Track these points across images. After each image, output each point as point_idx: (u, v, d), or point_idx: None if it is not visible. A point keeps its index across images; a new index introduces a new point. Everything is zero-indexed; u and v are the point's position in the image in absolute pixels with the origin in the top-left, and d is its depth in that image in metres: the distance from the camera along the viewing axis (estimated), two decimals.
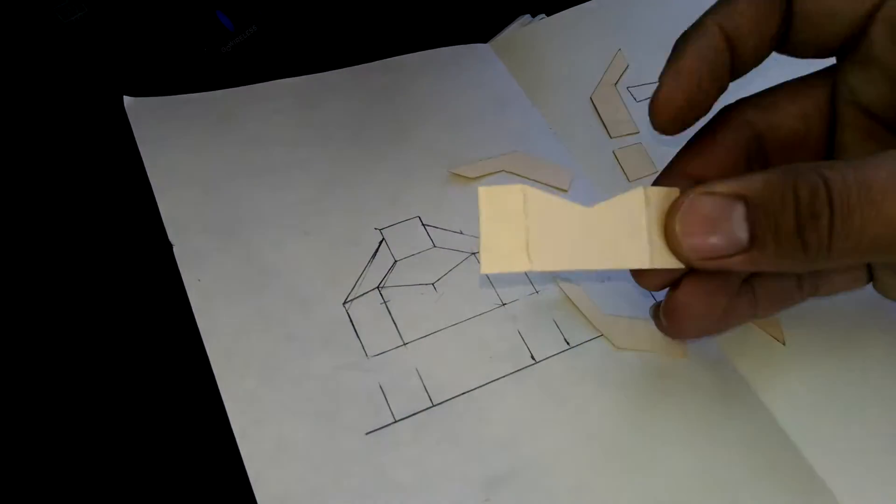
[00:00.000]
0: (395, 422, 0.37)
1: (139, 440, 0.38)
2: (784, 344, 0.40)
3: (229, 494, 0.36)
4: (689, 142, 0.36)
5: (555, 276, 0.42)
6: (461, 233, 0.43)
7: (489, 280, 0.42)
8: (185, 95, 0.48)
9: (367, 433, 0.37)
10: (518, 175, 0.45)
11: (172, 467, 0.37)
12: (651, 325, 0.40)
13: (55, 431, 0.38)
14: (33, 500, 0.36)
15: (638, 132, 0.48)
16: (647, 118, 0.47)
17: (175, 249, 0.42)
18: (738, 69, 0.33)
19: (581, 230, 0.31)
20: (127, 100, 0.47)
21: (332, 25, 0.53)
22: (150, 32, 0.51)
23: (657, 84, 0.34)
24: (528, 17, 0.53)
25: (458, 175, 0.45)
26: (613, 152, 0.47)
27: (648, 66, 0.50)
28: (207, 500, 0.36)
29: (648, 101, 0.47)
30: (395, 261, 0.42)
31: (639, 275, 0.36)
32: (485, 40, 0.52)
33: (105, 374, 0.39)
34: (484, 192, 0.30)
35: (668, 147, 0.47)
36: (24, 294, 0.42)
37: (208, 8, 0.52)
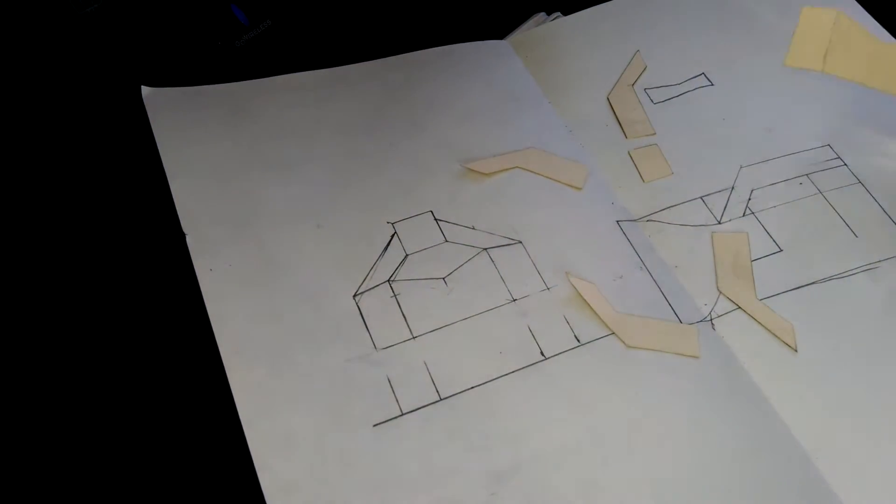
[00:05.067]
0: (403, 415, 0.37)
1: (147, 427, 0.38)
2: (796, 351, 0.40)
3: (235, 483, 0.36)
4: None
5: (567, 273, 0.42)
6: (473, 228, 0.43)
7: (500, 276, 0.41)
8: (202, 87, 0.49)
9: (374, 425, 0.37)
10: (532, 171, 0.45)
11: (179, 455, 0.37)
12: (664, 324, 0.40)
13: (64, 415, 0.38)
14: (44, 479, 0.36)
15: (654, 133, 0.48)
16: (666, 120, 0.48)
17: (188, 239, 0.42)
18: None
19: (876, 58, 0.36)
20: (145, 89, 0.48)
21: (345, 20, 0.53)
22: (164, 25, 0.51)
23: None
24: (543, 14, 0.53)
25: (473, 170, 0.45)
26: (629, 152, 0.47)
27: (667, 68, 0.50)
28: (214, 488, 0.36)
29: (666, 102, 0.49)
30: (407, 255, 0.42)
31: None
32: (500, 36, 0.52)
33: (115, 359, 0.39)
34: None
35: (685, 150, 0.47)
36: (39, 278, 0.42)
37: (223, 2, 0.52)
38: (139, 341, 0.40)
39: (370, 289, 0.41)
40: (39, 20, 0.51)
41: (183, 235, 0.42)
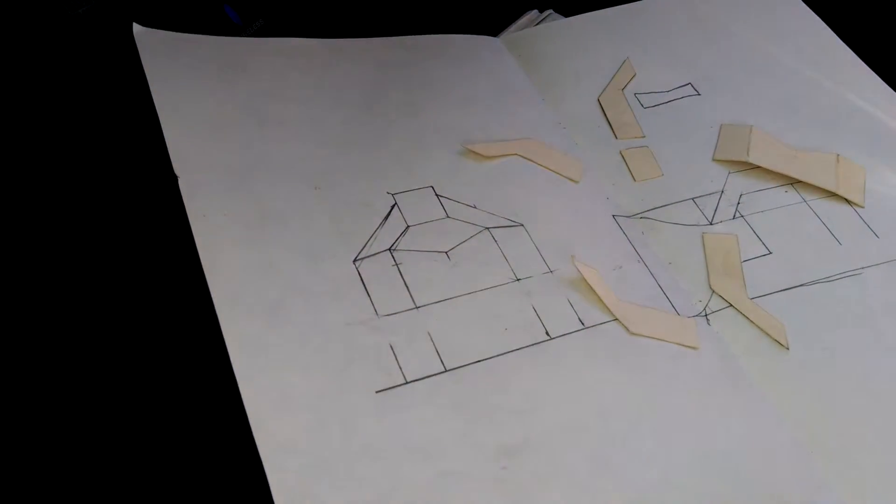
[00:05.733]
0: (407, 383, 0.35)
1: (136, 379, 0.36)
2: (788, 349, 0.40)
3: (231, 441, 0.33)
4: None
5: (572, 256, 0.41)
6: (475, 207, 0.42)
7: (503, 255, 0.40)
8: (197, 35, 0.47)
9: (377, 392, 0.35)
10: (532, 161, 0.45)
11: (171, 408, 0.35)
12: (665, 314, 0.40)
13: (50, 370, 0.36)
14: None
15: (644, 136, 0.48)
16: (655, 124, 0.49)
17: (180, 182, 0.40)
18: None
19: None
20: (136, 28, 0.46)
21: (336, 20, 0.53)
22: (157, 25, 0.50)
23: None
24: (535, 12, 0.54)
25: (473, 151, 0.44)
26: (620, 152, 0.47)
27: (655, 76, 0.51)
28: (208, 445, 0.34)
29: (655, 108, 0.50)
30: (408, 226, 0.41)
31: None
32: (492, 33, 0.52)
33: (106, 304, 0.38)
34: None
35: (674, 153, 0.47)
36: (28, 217, 0.40)
37: (216, 1, 0.51)
38: (130, 289, 0.38)
39: (371, 255, 0.39)
40: (31, 20, 0.49)
41: (175, 178, 0.40)
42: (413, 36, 0.50)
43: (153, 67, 0.44)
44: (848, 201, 0.46)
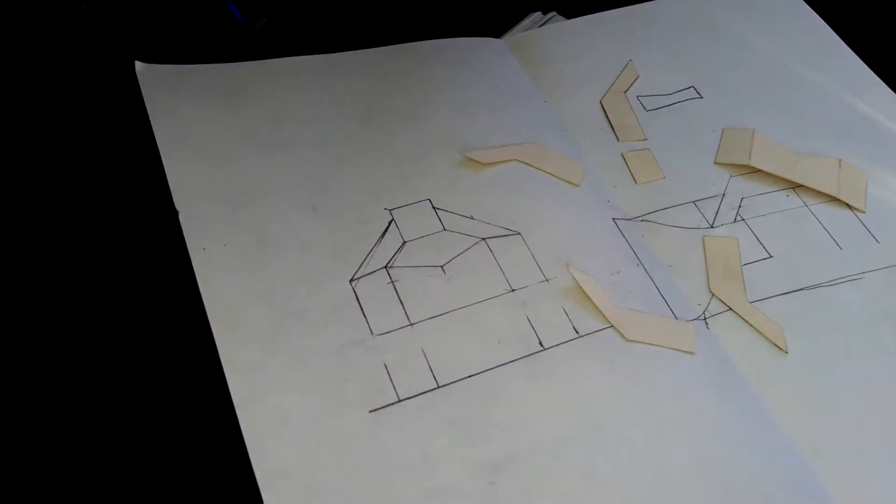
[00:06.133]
0: (400, 401, 0.36)
1: (137, 407, 0.36)
2: (787, 353, 0.40)
3: (228, 466, 0.34)
4: None
5: (568, 264, 0.41)
6: (472, 217, 0.43)
7: (499, 265, 0.41)
8: (196, 65, 0.48)
9: (370, 411, 0.36)
10: (531, 165, 0.45)
11: (171, 436, 0.36)
12: (662, 319, 0.40)
13: (50, 394, 0.37)
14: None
15: (646, 139, 0.48)
16: (657, 127, 0.49)
17: (181, 217, 0.41)
18: None
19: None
20: (138, 65, 0.47)
21: (341, 18, 0.53)
22: (160, 21, 0.51)
23: None
24: (539, 13, 0.54)
25: (471, 160, 0.45)
26: (622, 155, 0.47)
27: (658, 79, 0.51)
28: (206, 471, 0.35)
29: (658, 110, 0.50)
30: (405, 241, 0.41)
31: None
32: (495, 35, 0.52)
33: (104, 336, 0.38)
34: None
35: (676, 156, 0.47)
36: (29, 253, 0.41)
37: None
38: (130, 319, 0.39)
39: (367, 274, 0.40)
40: (36, 16, 0.50)
41: (176, 213, 0.41)
42: (414, 42, 0.50)
43: (155, 104, 0.45)
44: (849, 206, 0.46)
